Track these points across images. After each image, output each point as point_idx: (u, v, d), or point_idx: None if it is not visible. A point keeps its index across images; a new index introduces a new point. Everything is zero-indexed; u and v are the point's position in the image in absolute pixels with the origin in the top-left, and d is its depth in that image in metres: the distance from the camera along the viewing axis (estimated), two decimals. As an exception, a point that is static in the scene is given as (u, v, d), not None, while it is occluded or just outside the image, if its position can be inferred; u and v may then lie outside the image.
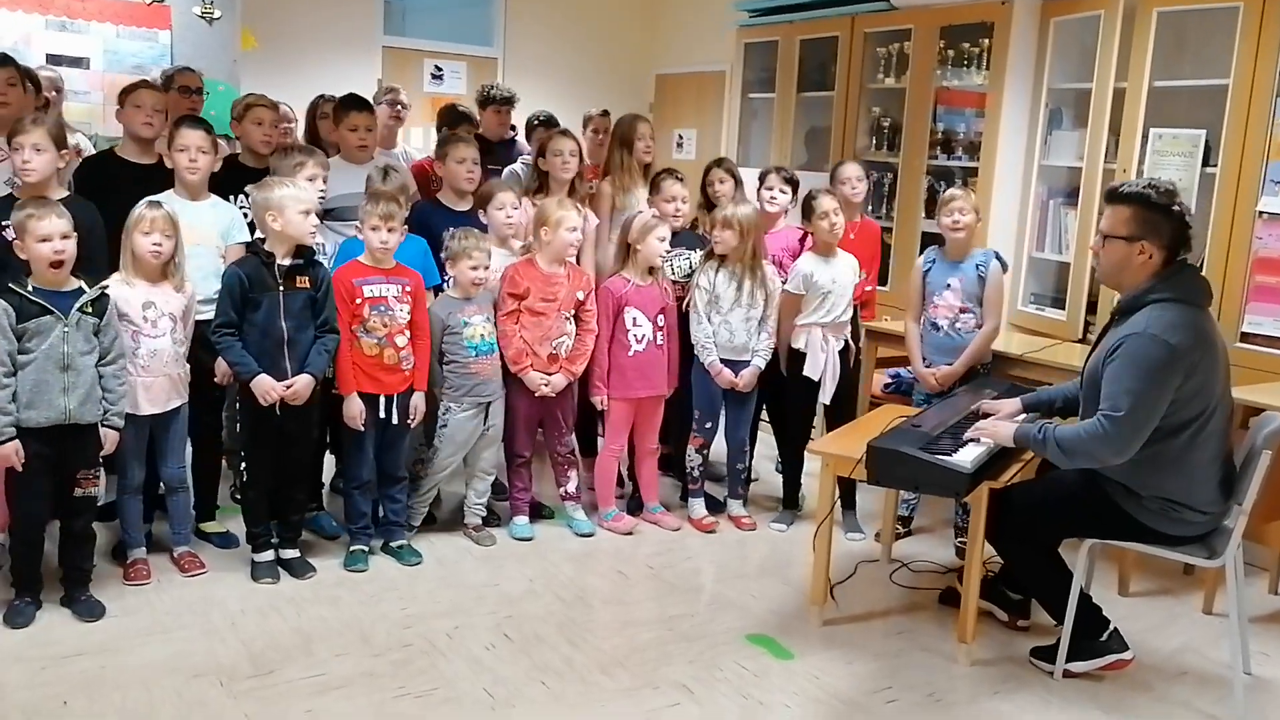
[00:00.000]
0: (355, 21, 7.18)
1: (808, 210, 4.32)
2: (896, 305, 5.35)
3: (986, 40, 5.34)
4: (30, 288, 3.16)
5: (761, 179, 4.70)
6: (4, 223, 3.40)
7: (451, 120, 5.25)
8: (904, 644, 3.48)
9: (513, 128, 5.70)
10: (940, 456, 3.08)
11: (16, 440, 3.14)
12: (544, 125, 5.21)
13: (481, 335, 3.95)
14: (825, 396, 4.32)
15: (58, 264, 3.17)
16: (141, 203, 3.47)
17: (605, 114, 5.39)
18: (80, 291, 3.23)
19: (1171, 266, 3.06)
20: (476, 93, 5.64)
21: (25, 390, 3.14)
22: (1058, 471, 3.35)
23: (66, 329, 3.17)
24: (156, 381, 3.49)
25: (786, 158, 6.24)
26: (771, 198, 4.59)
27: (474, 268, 3.89)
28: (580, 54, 7.96)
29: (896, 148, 5.83)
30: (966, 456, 3.11)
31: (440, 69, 7.61)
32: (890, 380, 5.16)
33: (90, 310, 3.23)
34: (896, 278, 5.61)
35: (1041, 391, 3.57)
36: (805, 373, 4.29)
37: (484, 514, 4.19)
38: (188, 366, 3.61)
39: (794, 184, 4.62)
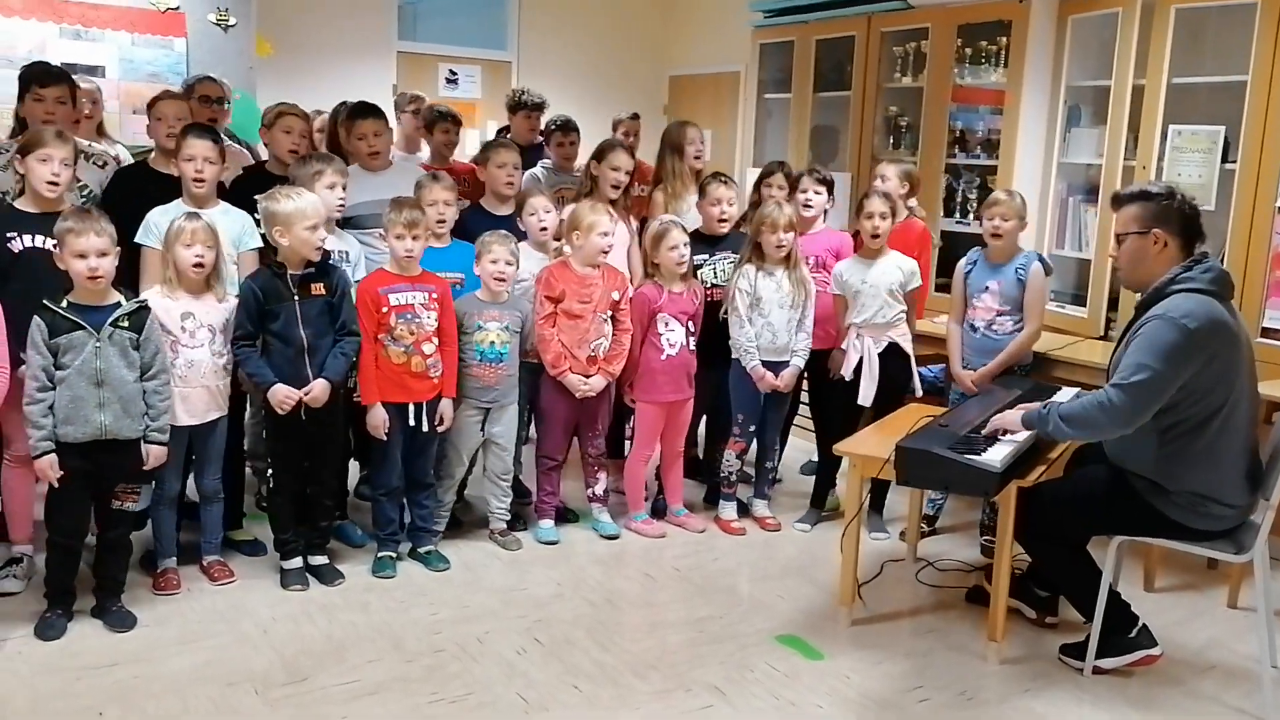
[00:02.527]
0: (370, 27, 7.21)
1: (858, 210, 4.33)
2: (940, 308, 5.35)
3: (1004, 38, 5.34)
4: (64, 303, 3.17)
5: (797, 181, 4.69)
6: (8, 234, 3.41)
7: (430, 121, 5.25)
8: (933, 643, 3.48)
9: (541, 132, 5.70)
10: (969, 456, 3.09)
11: (53, 455, 3.15)
12: (561, 129, 5.21)
13: (492, 342, 3.94)
14: (863, 398, 4.29)
15: (92, 279, 3.17)
16: (180, 215, 3.49)
17: (635, 117, 5.39)
18: (117, 305, 3.24)
19: (1191, 257, 3.09)
20: (507, 98, 5.64)
21: (62, 406, 3.15)
22: (1086, 469, 3.37)
23: (98, 344, 3.18)
24: (194, 393, 3.50)
25: (803, 158, 6.24)
26: (807, 201, 4.58)
27: (493, 261, 3.89)
28: (594, 56, 7.97)
29: (914, 147, 5.83)
30: (996, 456, 3.11)
31: (455, 73, 7.62)
32: (925, 379, 5.14)
33: (126, 325, 3.24)
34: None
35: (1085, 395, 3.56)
36: (841, 372, 4.30)
37: (508, 518, 4.20)
38: (228, 379, 3.61)
39: (829, 185, 4.60)
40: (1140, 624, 3.30)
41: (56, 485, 3.20)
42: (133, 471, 3.32)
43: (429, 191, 4.01)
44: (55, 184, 3.43)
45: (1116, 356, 3.16)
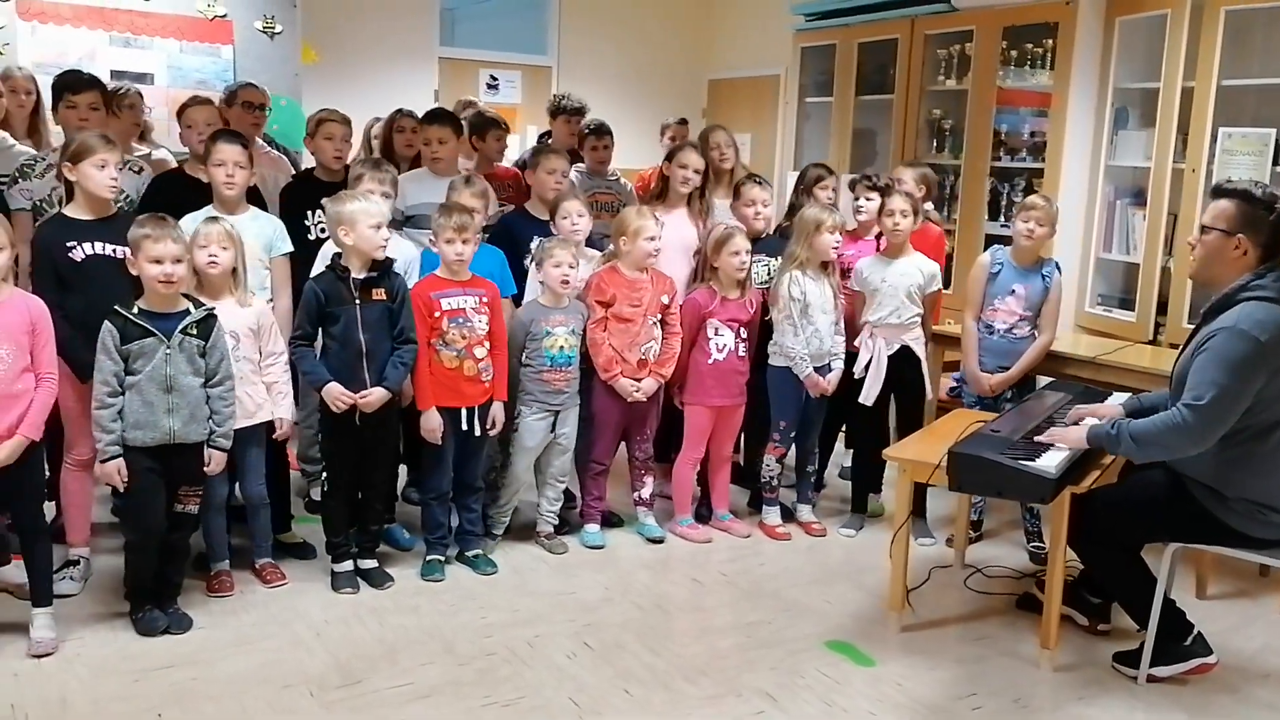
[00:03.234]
0: (412, 33, 7.28)
1: (880, 209, 4.33)
2: (959, 309, 5.31)
3: (1050, 40, 5.31)
4: (136, 310, 3.21)
5: (851, 188, 4.69)
6: (68, 243, 3.44)
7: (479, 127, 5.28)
8: (984, 650, 3.46)
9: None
10: (1024, 462, 3.07)
11: (120, 459, 3.20)
12: (595, 134, 5.22)
13: (561, 347, 3.97)
14: (864, 397, 4.28)
15: (166, 285, 3.22)
16: (200, 220, 3.52)
17: (683, 122, 5.40)
18: (186, 313, 3.28)
19: (1264, 266, 3.05)
20: (548, 103, 5.66)
21: (132, 411, 3.20)
22: (1141, 475, 3.33)
23: (168, 351, 3.22)
24: None
25: (844, 162, 6.23)
26: (859, 208, 4.57)
27: (556, 265, 3.91)
28: (633, 60, 8.00)
29: (957, 150, 5.81)
30: (1051, 461, 3.09)
31: (495, 78, 7.67)
32: (956, 384, 5.13)
33: (194, 332, 3.28)
34: (959, 281, 5.57)
35: (1143, 397, 3.53)
36: (854, 370, 4.30)
37: (555, 522, 4.22)
38: (261, 385, 3.63)
39: (884, 191, 4.58)
40: (1195, 631, 3.27)
41: (124, 489, 3.24)
42: (194, 475, 3.36)
43: (459, 195, 4.03)
44: (115, 186, 3.48)
45: (1181, 365, 3.12)
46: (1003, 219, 5.59)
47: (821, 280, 4.24)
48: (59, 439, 3.53)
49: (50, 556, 3.34)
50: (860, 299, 4.35)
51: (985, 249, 5.40)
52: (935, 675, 3.28)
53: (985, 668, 3.34)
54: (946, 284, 5.43)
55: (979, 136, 5.61)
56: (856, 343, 4.33)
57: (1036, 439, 3.28)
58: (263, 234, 3.82)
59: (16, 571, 3.45)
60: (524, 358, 3.97)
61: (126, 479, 3.23)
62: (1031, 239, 4.10)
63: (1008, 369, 4.17)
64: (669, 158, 4.56)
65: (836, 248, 4.21)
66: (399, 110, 4.84)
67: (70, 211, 3.51)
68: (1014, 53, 5.52)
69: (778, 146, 7.38)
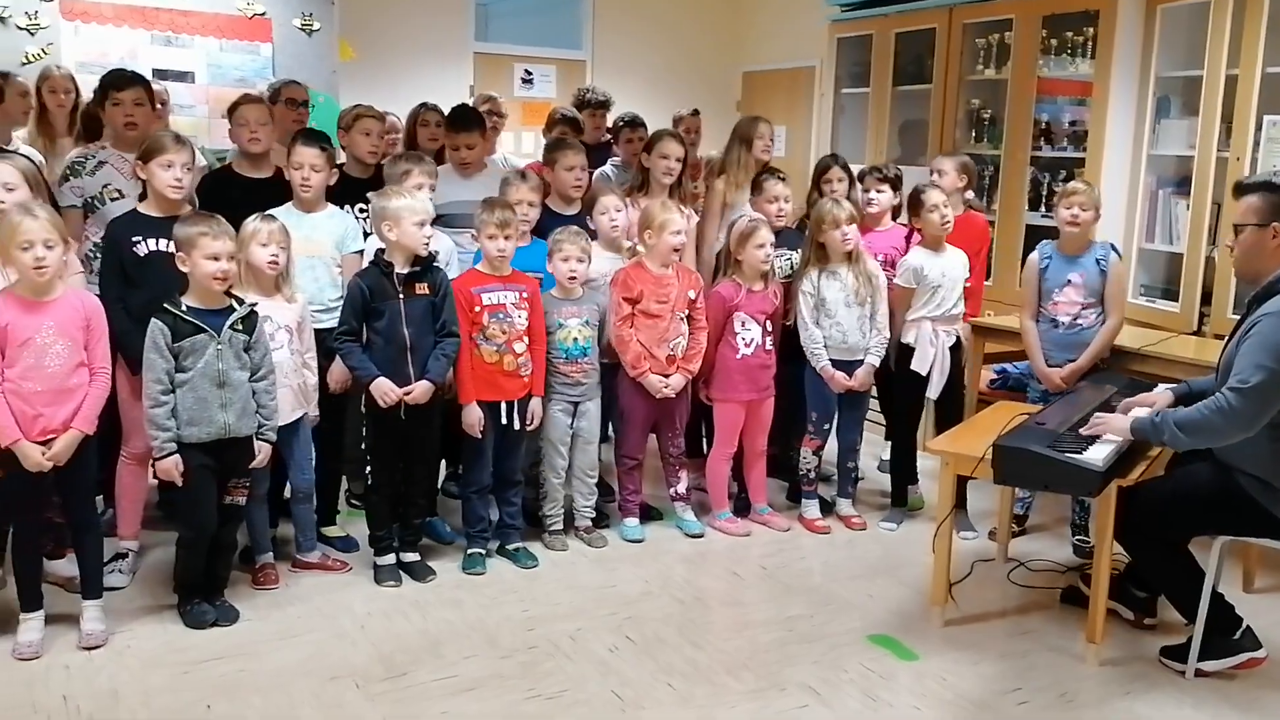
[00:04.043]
0: (447, 29, 7.32)
1: (915, 205, 4.29)
2: (999, 300, 5.30)
3: (1091, 29, 5.26)
4: (184, 307, 3.26)
5: (860, 179, 4.66)
6: (134, 238, 3.51)
7: (553, 125, 5.31)
8: (1029, 644, 3.44)
9: (608, 130, 5.73)
10: (1071, 455, 3.03)
11: (177, 455, 3.24)
12: (630, 126, 5.22)
13: (575, 339, 3.97)
14: (933, 391, 4.28)
15: (221, 282, 3.26)
16: (254, 216, 3.55)
17: (696, 114, 5.37)
18: (231, 309, 3.32)
19: None
20: (573, 97, 5.67)
21: (186, 407, 3.24)
22: (1189, 467, 3.29)
23: (220, 346, 3.26)
24: (279, 393, 3.54)
25: (882, 153, 6.20)
26: (870, 199, 4.55)
27: (564, 259, 3.91)
28: (667, 54, 7.99)
29: (997, 140, 5.76)
30: (1098, 454, 3.05)
31: (530, 73, 7.69)
32: (997, 376, 5.09)
33: (240, 327, 3.32)
34: (999, 272, 5.53)
35: (1192, 382, 3.48)
36: (913, 367, 4.26)
37: (593, 515, 4.22)
38: (308, 377, 3.68)
39: (893, 182, 4.56)
40: (1244, 626, 3.23)
41: (182, 484, 3.29)
42: (244, 468, 3.41)
43: (515, 190, 4.04)
44: (179, 187, 3.52)
45: (1228, 354, 3.09)
46: (1043, 209, 5.54)
47: (844, 274, 4.21)
48: (109, 434, 3.57)
49: (101, 550, 3.40)
50: (906, 294, 4.30)
51: (1026, 239, 5.41)
52: (979, 670, 3.26)
53: (1030, 662, 3.32)
54: (987, 275, 5.42)
55: (1019, 126, 5.57)
56: (905, 339, 4.30)
57: (1082, 431, 3.25)
58: (336, 232, 3.89)
59: (67, 565, 3.51)
60: None
61: (184, 475, 3.27)
62: (1077, 225, 4.05)
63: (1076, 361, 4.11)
64: (646, 149, 4.52)
65: (845, 242, 4.18)
66: (423, 105, 4.85)
67: (143, 208, 3.58)
68: (1054, 41, 5.47)
69: (812, 139, 7.35)
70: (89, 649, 3.20)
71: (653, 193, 4.43)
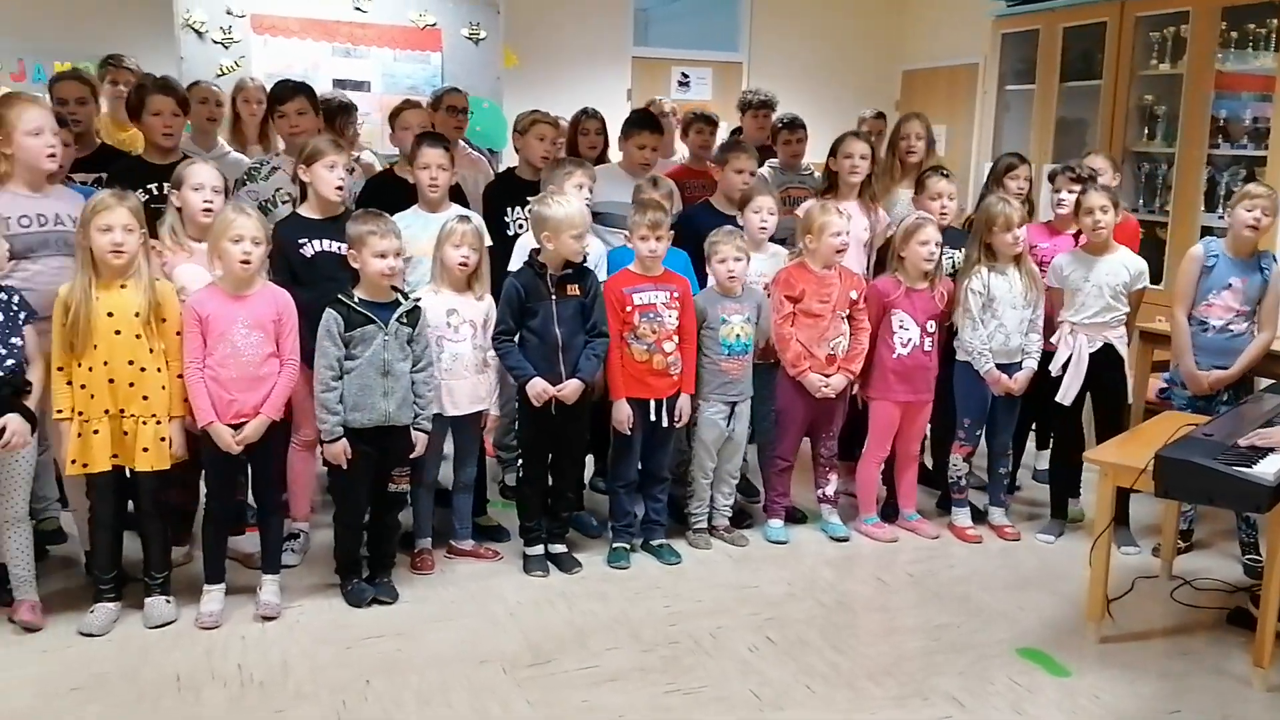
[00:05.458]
0: (607, 34, 7.46)
1: (1076, 206, 4.15)
2: (1171, 306, 5.04)
3: (1274, 20, 5.01)
4: (356, 299, 3.46)
5: (1051, 179, 4.53)
6: (299, 240, 3.71)
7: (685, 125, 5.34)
8: (1190, 665, 3.29)
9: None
10: (1239, 468, 2.89)
11: (344, 440, 3.45)
12: (788, 128, 5.21)
13: (738, 335, 4.00)
14: (1062, 396, 4.13)
15: (389, 277, 3.45)
16: (452, 216, 3.75)
17: (880, 116, 5.31)
18: (397, 303, 3.51)
19: None
20: (738, 99, 5.69)
21: (351, 394, 3.44)
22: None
23: (386, 338, 3.46)
24: (459, 385, 3.74)
25: (1047, 152, 6.00)
26: (1060, 200, 4.41)
27: (721, 261, 3.95)
28: (826, 53, 7.93)
29: (1170, 137, 5.50)
30: (1269, 468, 2.90)
31: (687, 75, 7.76)
32: (1166, 385, 4.85)
33: (405, 321, 3.51)
34: (1171, 276, 5.26)
35: None
36: (1050, 368, 4.14)
37: (730, 514, 4.24)
38: (489, 375, 3.83)
39: (1085, 181, 4.41)
40: None
41: (345, 468, 3.49)
42: (403, 457, 3.58)
43: (646, 194, 4.10)
44: (341, 189, 3.73)
45: None
46: (1220, 210, 5.25)
47: (1011, 274, 4.11)
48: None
49: (282, 529, 3.65)
50: (1058, 296, 4.18)
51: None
52: (1135, 689, 3.14)
53: (1190, 684, 3.18)
54: (1157, 279, 5.18)
55: (1195, 123, 5.31)
56: (1054, 340, 4.17)
57: (1255, 443, 3.08)
58: None
59: (248, 542, 3.77)
60: (701, 348, 4.00)
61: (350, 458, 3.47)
62: (1257, 229, 3.85)
63: (1223, 368, 3.92)
64: (833, 152, 4.50)
65: (1015, 244, 4.07)
66: (583, 111, 4.95)
67: (303, 211, 3.80)
68: (1234, 34, 5.19)
69: (974, 138, 7.17)
70: (265, 619, 3.43)
71: (841, 194, 4.43)
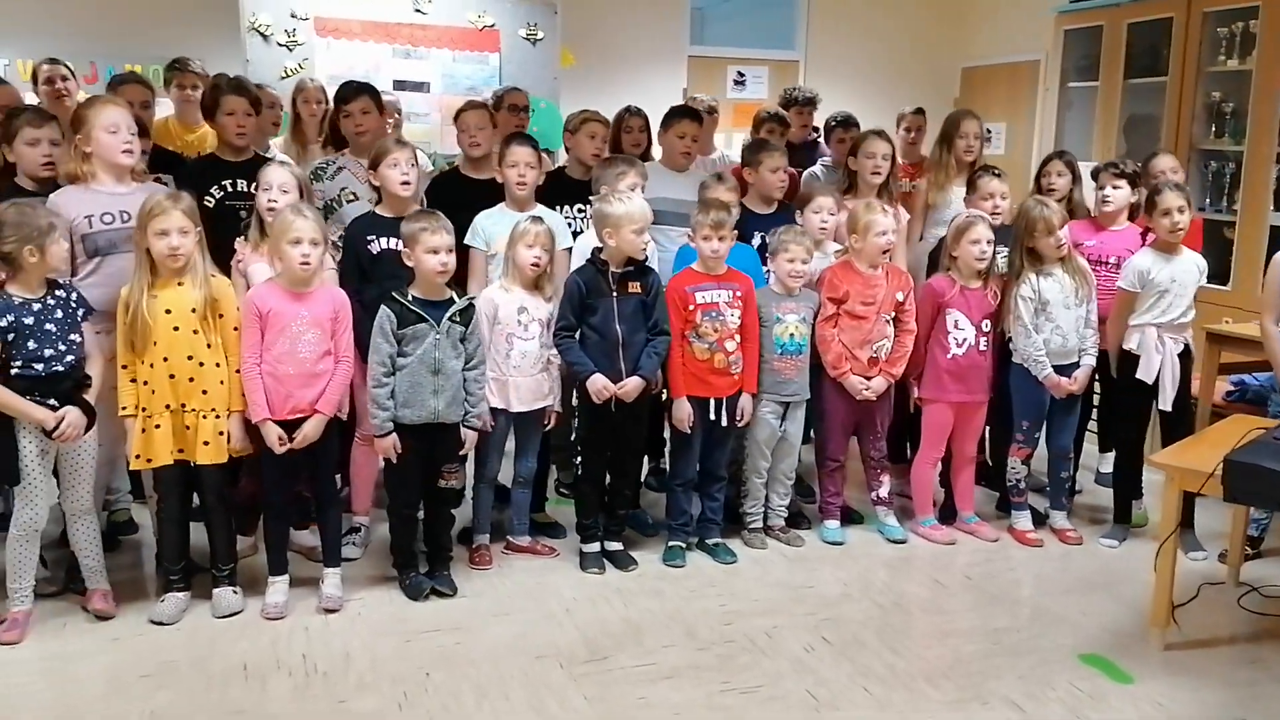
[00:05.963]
0: (663, 33, 7.48)
1: (1150, 205, 4.07)
2: (1239, 306, 4.98)
3: (1349, 13, 4.84)
4: (410, 297, 3.51)
5: (1095, 176, 4.46)
6: (368, 237, 3.78)
7: (758, 123, 5.34)
8: (1258, 674, 3.23)
9: (815, 129, 5.72)
10: (1310, 475, 2.83)
11: (394, 435, 3.50)
12: (842, 126, 5.19)
13: (792, 335, 3.99)
14: (1165, 402, 4.05)
15: (442, 274, 3.50)
16: (524, 216, 3.79)
17: (919, 112, 5.27)
18: (451, 301, 3.55)
19: None
20: (780, 96, 5.68)
21: (402, 390, 3.49)
22: None
23: (438, 336, 3.50)
24: (525, 382, 3.78)
25: (1110, 150, 5.91)
26: (1105, 197, 4.35)
27: (789, 260, 3.94)
28: (883, 51, 7.87)
29: (1239, 135, 5.39)
30: (1342, 476, 2.83)
31: (742, 74, 7.75)
32: (1234, 388, 4.77)
33: (458, 319, 3.55)
34: (1239, 276, 5.18)
35: None
36: (1139, 375, 4.05)
37: (786, 515, 4.23)
38: (552, 372, 3.86)
39: (1131, 178, 4.35)
40: None
41: (395, 462, 3.54)
42: (453, 453, 3.62)
43: (714, 192, 4.10)
44: (408, 183, 3.79)
45: None
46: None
47: (1059, 275, 4.05)
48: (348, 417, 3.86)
49: (340, 522, 3.71)
50: (1128, 299, 4.10)
51: (1270, 241, 5.03)
52: (1200, 697, 3.09)
53: (1258, 692, 3.11)
54: (1225, 279, 5.10)
55: (1265, 120, 5.19)
56: (1127, 345, 4.09)
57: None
58: None
59: (309, 536, 3.84)
60: None
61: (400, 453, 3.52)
62: None
63: None
64: (853, 151, 4.46)
65: (1060, 247, 4.01)
66: (626, 109, 4.96)
67: (380, 210, 3.87)
68: (1308, 29, 5.06)
69: (1035, 135, 7.07)
70: (328, 611, 3.49)
71: (861, 193, 4.40)
